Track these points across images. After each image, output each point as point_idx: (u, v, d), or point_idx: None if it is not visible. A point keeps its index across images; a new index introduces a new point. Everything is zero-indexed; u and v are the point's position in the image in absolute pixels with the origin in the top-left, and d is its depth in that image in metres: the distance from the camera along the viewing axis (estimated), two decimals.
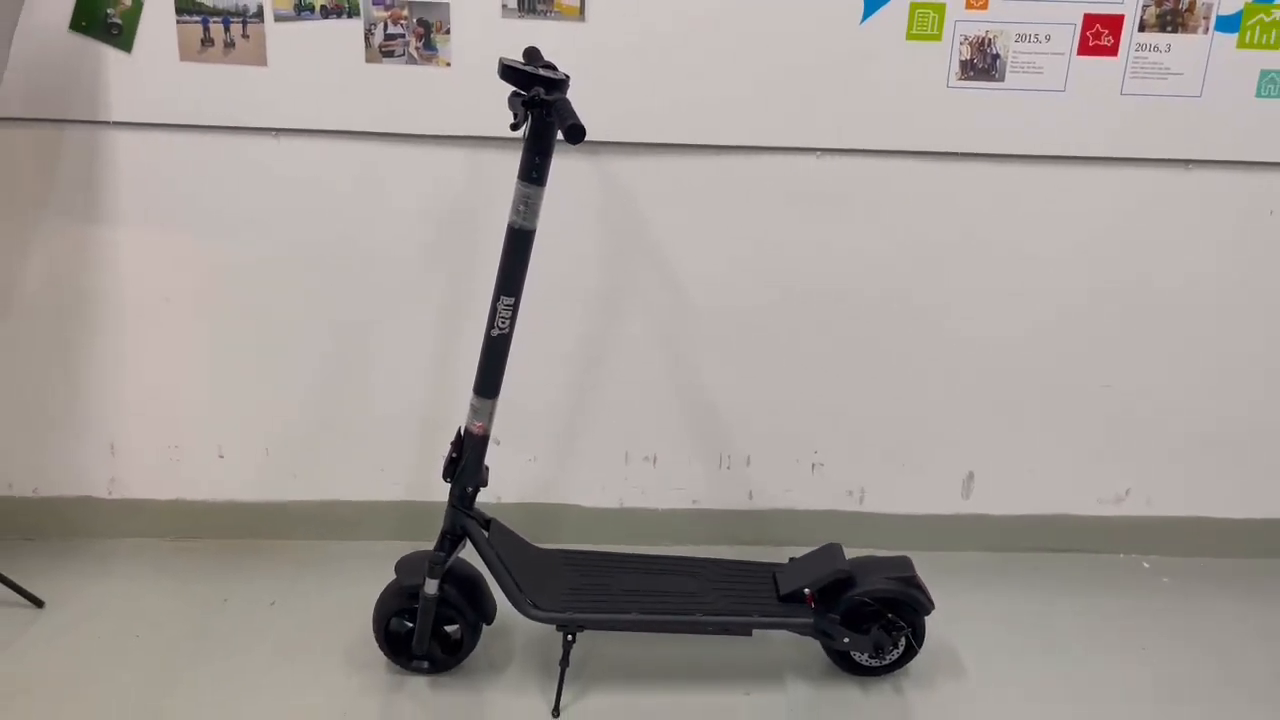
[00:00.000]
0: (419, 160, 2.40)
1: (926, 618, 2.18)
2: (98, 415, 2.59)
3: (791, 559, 2.27)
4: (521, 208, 1.80)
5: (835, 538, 2.68)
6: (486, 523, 2.12)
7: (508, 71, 1.71)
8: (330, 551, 2.66)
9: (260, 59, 2.32)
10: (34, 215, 2.43)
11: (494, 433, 2.58)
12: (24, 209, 2.42)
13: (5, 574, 2.37)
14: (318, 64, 2.31)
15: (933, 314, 2.55)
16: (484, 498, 2.62)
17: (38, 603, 2.39)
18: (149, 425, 2.60)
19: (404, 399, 2.59)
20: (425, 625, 2.09)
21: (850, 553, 2.52)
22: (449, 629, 2.18)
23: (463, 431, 2.02)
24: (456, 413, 2.58)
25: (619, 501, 2.70)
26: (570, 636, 2.10)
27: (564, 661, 2.10)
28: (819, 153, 2.42)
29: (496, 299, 1.88)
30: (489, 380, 1.95)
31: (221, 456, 2.64)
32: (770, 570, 2.25)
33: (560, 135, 1.67)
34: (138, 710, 2.07)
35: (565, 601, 2.10)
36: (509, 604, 2.09)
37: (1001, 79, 2.35)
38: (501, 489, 2.68)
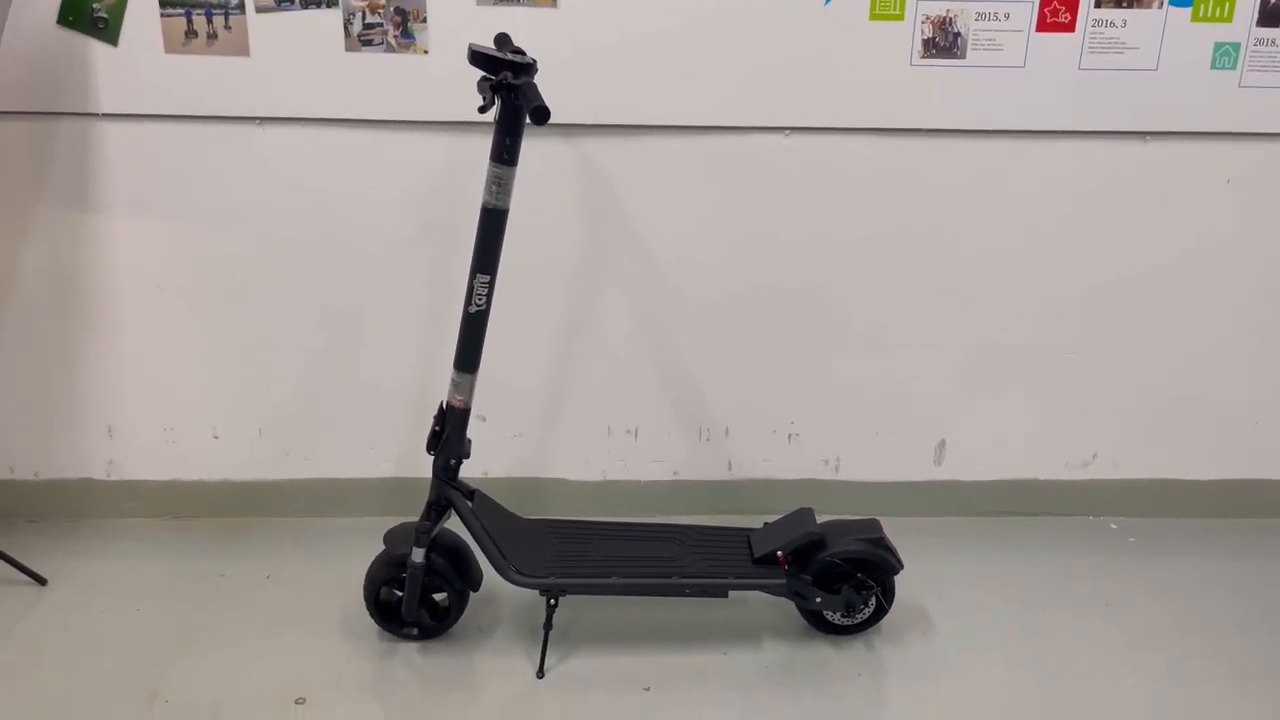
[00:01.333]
0: (401, 146, 2.48)
1: (896, 577, 2.27)
2: (95, 399, 2.67)
3: (765, 523, 2.36)
4: (494, 188, 1.88)
5: (813, 505, 2.77)
6: (471, 493, 2.20)
7: (477, 57, 1.78)
8: (323, 527, 2.75)
9: (243, 49, 2.39)
10: (30, 206, 2.50)
11: (481, 410, 2.67)
12: (20, 199, 2.50)
13: (11, 553, 2.45)
14: (299, 53, 2.38)
15: (903, 288, 2.63)
16: (472, 473, 2.72)
17: (41, 581, 2.48)
18: (145, 408, 2.68)
19: (391, 379, 2.67)
20: (413, 593, 2.17)
21: (825, 519, 2.62)
22: (437, 597, 2.26)
23: (444, 406, 2.10)
24: (442, 391, 2.65)
25: (602, 474, 2.79)
26: (553, 601, 2.19)
27: (547, 625, 2.19)
28: (787, 131, 2.49)
29: (473, 277, 1.96)
30: (468, 355, 2.03)
31: (216, 437, 2.72)
32: (745, 535, 2.34)
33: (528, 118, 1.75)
34: (140, 681, 2.15)
35: (547, 567, 2.19)
36: (495, 572, 2.17)
37: (963, 56, 2.43)
38: (489, 464, 2.76)
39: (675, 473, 2.79)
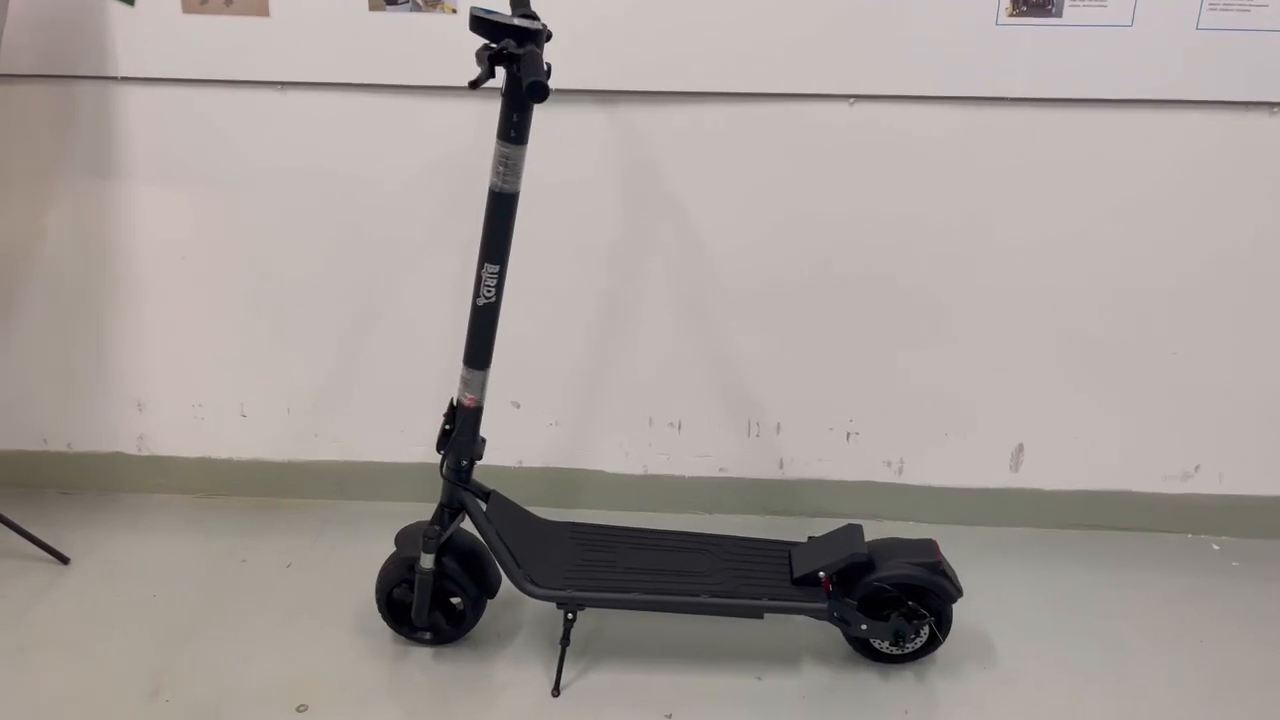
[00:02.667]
0: (430, 113, 2.30)
1: (955, 604, 2.03)
2: (125, 372, 2.60)
3: (810, 538, 2.14)
4: (501, 169, 1.68)
5: (872, 510, 2.56)
6: (486, 495, 2.04)
7: (478, 23, 1.57)
8: (351, 511, 2.64)
9: (262, 9, 2.23)
10: (53, 172, 2.41)
11: (515, 396, 2.52)
12: (43, 166, 2.41)
13: (41, 526, 2.41)
14: (321, 12, 2.22)
15: (979, 272, 2.35)
16: (505, 461, 2.58)
17: (63, 559, 2.42)
18: (173, 383, 2.60)
19: (421, 360, 2.52)
20: (423, 599, 2.04)
21: (886, 528, 2.40)
22: (454, 600, 2.12)
23: (454, 403, 1.94)
24: None
25: (643, 468, 2.60)
26: (570, 615, 2.02)
27: (564, 640, 2.03)
28: (852, 99, 2.22)
29: (481, 266, 1.77)
30: (478, 351, 1.86)
31: (244, 415, 2.62)
32: (786, 550, 2.13)
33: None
34: (146, 669, 2.07)
35: (565, 578, 2.02)
36: None
37: (1059, 14, 2.12)
38: (523, 453, 2.60)
39: (722, 469, 2.59)
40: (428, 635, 2.13)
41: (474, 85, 1.51)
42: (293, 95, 2.31)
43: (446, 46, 2.21)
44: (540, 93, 1.44)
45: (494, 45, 1.55)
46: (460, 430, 1.92)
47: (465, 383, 1.89)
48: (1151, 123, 2.20)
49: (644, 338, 2.46)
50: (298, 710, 1.99)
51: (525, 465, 2.61)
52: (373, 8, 2.21)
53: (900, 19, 2.13)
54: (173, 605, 2.28)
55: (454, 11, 2.19)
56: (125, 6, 2.24)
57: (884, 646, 2.07)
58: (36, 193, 2.43)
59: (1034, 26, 2.13)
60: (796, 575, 2.03)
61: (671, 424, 2.55)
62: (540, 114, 2.25)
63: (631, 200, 2.34)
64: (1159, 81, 2.15)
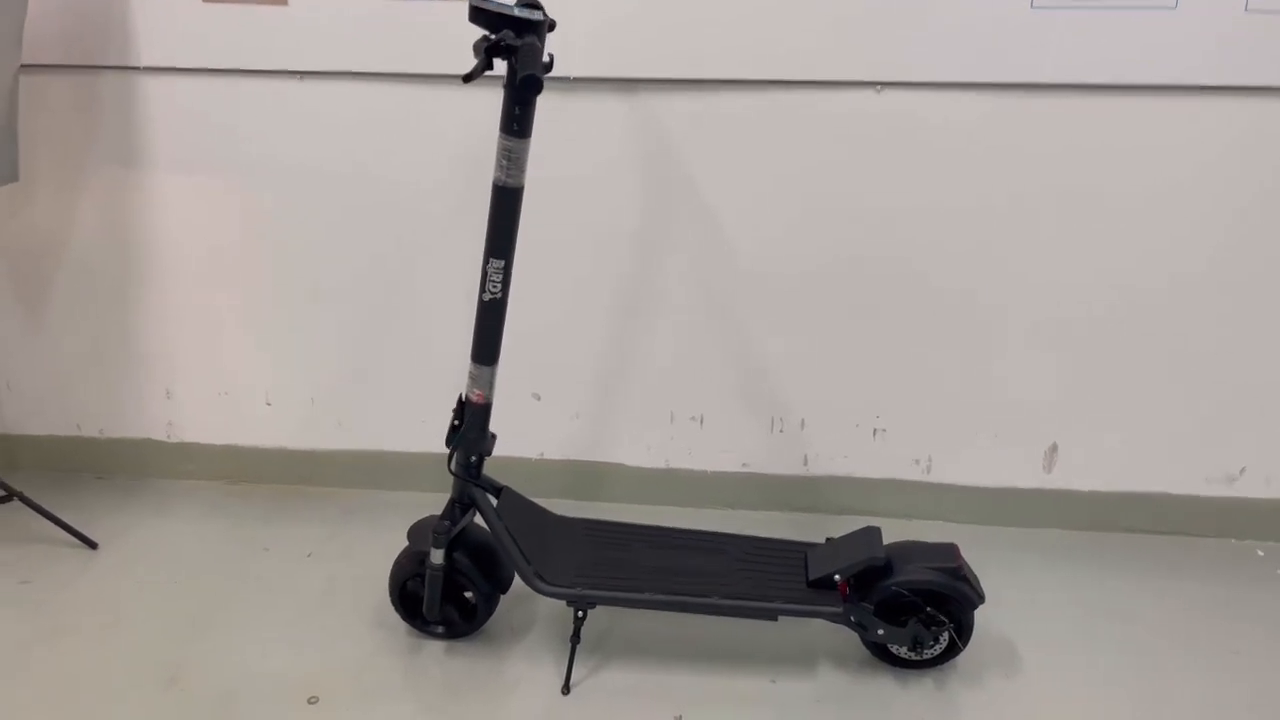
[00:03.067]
0: (447, 102, 2.27)
1: (979, 610, 1.97)
2: (153, 360, 2.62)
3: (828, 539, 2.09)
4: (504, 162, 1.65)
5: (899, 509, 2.50)
6: (498, 490, 2.02)
7: (477, 14, 1.54)
8: (374, 501, 2.64)
9: None
10: (80, 162, 2.43)
11: (536, 387, 2.49)
12: (72, 155, 2.43)
13: (74, 511, 2.47)
14: (339, 1, 2.19)
15: (1012, 266, 2.27)
16: (526, 453, 2.56)
17: (92, 545, 2.46)
18: (200, 371, 2.62)
19: (441, 351, 2.51)
20: (433, 594, 2.03)
21: (913, 527, 2.34)
22: (467, 594, 2.11)
23: (463, 399, 1.92)
24: None
25: (665, 462, 2.57)
26: (580, 613, 2.00)
27: (574, 638, 2.01)
28: (879, 87, 2.15)
29: (486, 262, 1.74)
30: (485, 347, 1.83)
31: (269, 404, 2.63)
32: (803, 551, 2.08)
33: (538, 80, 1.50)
34: (165, 657, 2.09)
35: (577, 576, 1.99)
36: None
37: None
38: (544, 445, 2.58)
39: (745, 464, 2.54)
40: (440, 629, 2.13)
41: (467, 79, 1.47)
42: (311, 84, 2.29)
43: (464, 36, 2.17)
44: (534, 86, 1.40)
45: (492, 36, 1.51)
46: (468, 426, 1.90)
47: (473, 379, 1.87)
48: (1197, 110, 2.10)
49: (665, 330, 2.42)
50: (309, 702, 1.99)
51: (546, 458, 2.59)
52: None
53: (927, 3, 2.05)
54: (194, 592, 2.30)
55: None
56: None
57: (902, 652, 2.02)
58: (65, 182, 2.45)
59: (1071, 9, 2.03)
60: (812, 578, 1.99)
61: (694, 418, 2.51)
62: (560, 104, 2.22)
63: (653, 191, 2.30)
64: (1206, 66, 2.05)
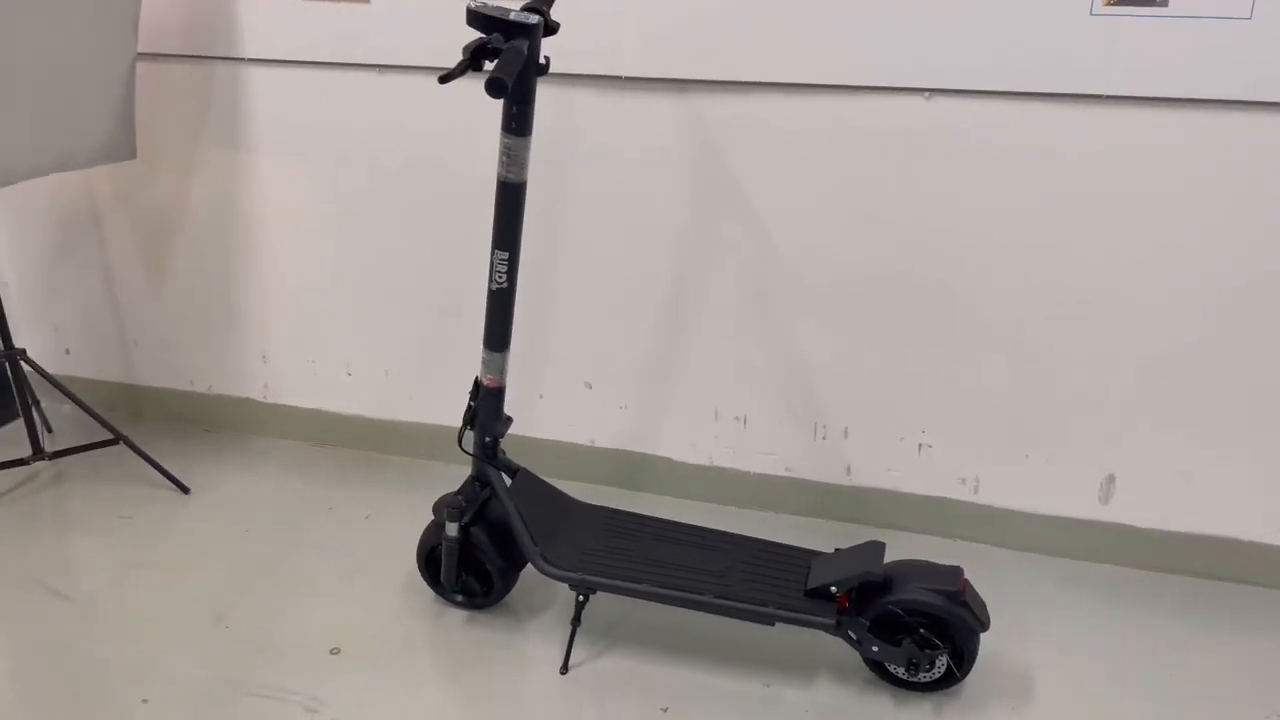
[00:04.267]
0: None
1: (1003, 639, 1.91)
2: (252, 326, 2.86)
3: (836, 549, 2.07)
4: (505, 159, 1.72)
5: (945, 528, 2.44)
6: (514, 471, 2.11)
7: (474, 17, 1.61)
8: (435, 473, 2.79)
9: None
10: (195, 144, 2.68)
11: (587, 376, 2.57)
12: (188, 137, 2.68)
13: (177, 458, 2.77)
14: (415, 2, 2.33)
15: (1068, 284, 2.17)
16: (578, 439, 2.64)
17: (185, 490, 2.72)
18: (292, 339, 2.84)
19: None
20: (450, 565, 2.14)
21: (958, 548, 2.31)
22: (490, 567, 2.21)
23: (477, 381, 2.01)
24: (545, 348, 2.59)
25: (709, 459, 2.59)
26: (581, 597, 2.06)
27: (575, 620, 2.08)
28: (928, 94, 2.10)
29: (492, 253, 1.83)
30: (495, 334, 1.92)
31: (349, 374, 2.82)
32: (809, 559, 2.07)
33: (535, 77, 1.57)
34: (219, 598, 2.30)
35: (579, 561, 2.06)
36: None
37: (1164, 4, 1.90)
38: (595, 433, 2.66)
39: (788, 469, 2.53)
40: (460, 598, 2.24)
41: (444, 79, 1.55)
42: (390, 77, 2.44)
43: None
44: (496, 89, 1.46)
45: (486, 37, 1.59)
46: (482, 408, 2.00)
47: (485, 363, 1.96)
48: (1273, 127, 1.94)
49: (710, 329, 2.44)
50: (331, 653, 2.14)
51: (597, 445, 2.66)
52: None
53: (982, 5, 1.98)
54: (260, 542, 2.51)
55: None
56: None
57: (900, 672, 1.98)
58: (181, 161, 2.71)
59: (1134, 17, 1.92)
60: (810, 587, 1.97)
61: (737, 418, 2.52)
62: (614, 103, 2.28)
63: (700, 190, 2.32)
64: None
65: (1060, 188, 2.09)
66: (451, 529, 2.08)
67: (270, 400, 2.94)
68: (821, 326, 2.36)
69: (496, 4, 1.63)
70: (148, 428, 3.04)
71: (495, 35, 1.58)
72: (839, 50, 2.09)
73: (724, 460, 2.57)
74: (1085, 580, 2.33)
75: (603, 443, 2.66)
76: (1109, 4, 1.92)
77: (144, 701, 2.00)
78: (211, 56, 2.56)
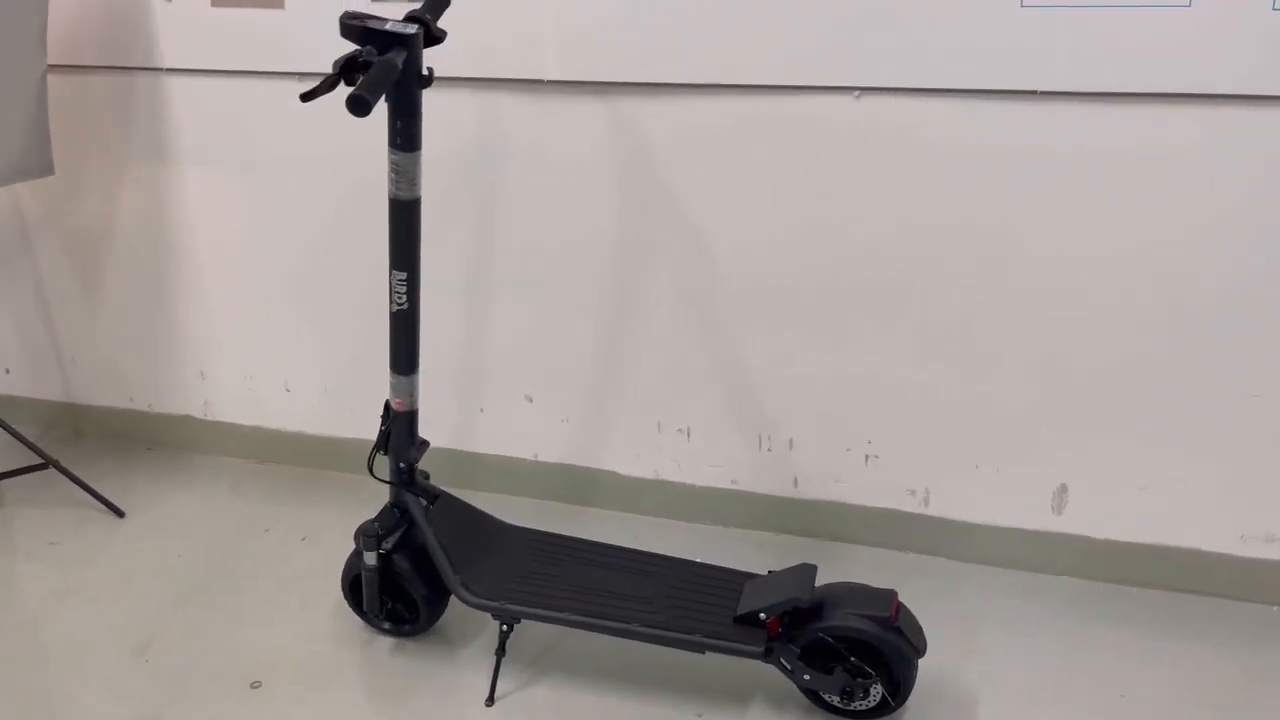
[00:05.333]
0: (432, 104, 2.28)
1: (943, 659, 1.83)
2: (189, 342, 2.78)
3: (770, 571, 1.98)
4: (394, 176, 1.63)
5: (897, 541, 2.35)
6: (434, 497, 2.03)
7: (347, 29, 1.52)
8: (378, 489, 2.69)
9: (277, 1, 2.28)
10: (120, 157, 2.60)
11: (527, 390, 2.48)
12: (112, 151, 2.60)
13: (117, 478, 2.72)
14: (329, 6, 2.24)
15: (1014, 287, 2.07)
16: (522, 454, 2.55)
17: (119, 513, 2.65)
18: (229, 355, 2.76)
19: (437, 349, 2.54)
20: (371, 594, 2.06)
21: (911, 561, 2.23)
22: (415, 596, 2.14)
23: (388, 405, 1.93)
24: (485, 364, 2.51)
25: (654, 473, 2.50)
26: (505, 627, 1.98)
27: (500, 650, 2.00)
28: (857, 92, 2.00)
29: (391, 273, 1.74)
30: (400, 357, 1.84)
31: (288, 390, 2.75)
32: (742, 582, 1.98)
33: (418, 90, 1.48)
34: (143, 628, 2.22)
35: (501, 589, 1.98)
36: None
37: None
38: (538, 447, 2.57)
39: (734, 481, 2.44)
40: (387, 625, 2.16)
41: (305, 98, 1.46)
42: (311, 85, 2.35)
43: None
44: (357, 107, 1.37)
45: (362, 49, 1.50)
46: (394, 433, 1.92)
47: (393, 388, 1.88)
48: (1218, 122, 1.83)
49: (648, 339, 2.36)
50: (251, 686, 2.07)
51: (541, 460, 2.58)
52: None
53: (909, 3, 1.88)
54: (191, 567, 2.44)
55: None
56: (164, 1, 2.36)
57: (835, 701, 1.89)
58: (107, 174, 2.63)
59: (1068, 7, 1.82)
60: (739, 613, 1.89)
61: (681, 430, 2.43)
62: (543, 105, 2.19)
63: (632, 196, 2.23)
64: (1226, 73, 1.78)
65: (1005, 188, 2.00)
66: (369, 558, 2.00)
67: (210, 418, 2.87)
68: (761, 334, 2.27)
69: (374, 14, 1.54)
70: (88, 447, 2.97)
71: (368, 49, 1.49)
72: (760, 49, 1.99)
73: (669, 474, 2.49)
74: (1041, 593, 2.24)
75: (546, 457, 2.58)
76: None
77: None
78: (130, 67, 2.48)
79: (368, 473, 2.06)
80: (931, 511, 2.32)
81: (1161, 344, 2.03)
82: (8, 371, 3.01)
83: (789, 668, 1.86)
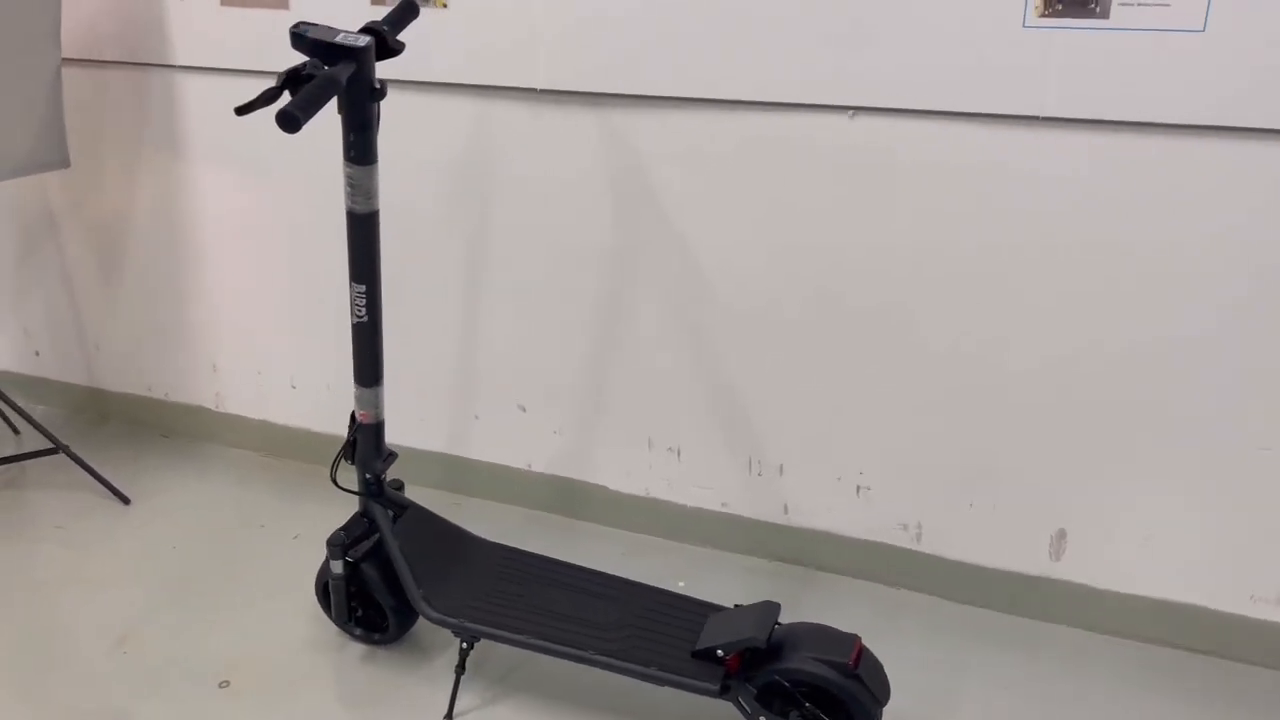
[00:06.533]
0: (427, 109, 2.26)
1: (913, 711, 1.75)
2: (202, 335, 2.82)
3: (736, 605, 1.92)
4: (350, 189, 1.61)
5: (888, 576, 2.27)
6: (402, 509, 2.01)
7: (298, 40, 1.49)
8: None
9: (282, 2, 2.28)
10: (137, 151, 2.64)
11: (520, 399, 2.46)
12: (131, 143, 2.64)
13: (129, 464, 2.78)
14: (331, 7, 2.23)
15: (1011, 321, 1.97)
16: (515, 463, 2.53)
17: (125, 500, 2.70)
18: (239, 350, 2.79)
19: (434, 354, 2.53)
20: (339, 601, 2.06)
21: (902, 598, 2.19)
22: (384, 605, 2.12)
23: (353, 416, 1.92)
24: (478, 371, 2.48)
25: (645, 490, 2.45)
26: (464, 644, 1.96)
27: (459, 668, 1.97)
28: (852, 112, 1.91)
29: (350, 286, 1.72)
30: (363, 369, 1.82)
31: (294, 387, 2.76)
32: (707, 613, 1.92)
33: (372, 103, 1.45)
34: (126, 620, 2.25)
35: (463, 606, 1.95)
36: None
37: (1104, 15, 1.69)
38: (532, 457, 2.54)
39: (724, 504, 2.38)
40: (358, 632, 2.16)
41: (240, 111, 1.44)
42: None
43: (438, 42, 2.15)
44: (284, 123, 1.34)
45: (321, 63, 1.47)
46: (360, 445, 1.90)
47: (357, 399, 1.86)
48: (1234, 156, 1.70)
49: (639, 354, 2.30)
50: (219, 685, 2.08)
51: (534, 470, 2.55)
52: (374, 1, 2.19)
53: (906, 21, 1.79)
54: (184, 559, 2.47)
55: (444, 6, 2.12)
56: None
57: None
58: (125, 167, 2.67)
59: (1071, 30, 1.71)
60: (697, 648, 1.83)
61: (671, 449, 2.38)
62: (533, 113, 2.15)
63: (623, 209, 2.18)
64: (1241, 105, 1.66)
65: (1004, 213, 1.89)
66: (335, 566, 1.99)
67: (222, 410, 2.90)
68: (751, 356, 2.20)
69: (328, 25, 1.51)
70: (110, 431, 3.04)
71: (313, 61, 1.46)
72: (754, 65, 1.92)
73: (660, 492, 2.43)
74: (1035, 642, 2.13)
75: (539, 467, 2.54)
76: (1043, 15, 1.71)
77: None
78: (145, 63, 2.50)
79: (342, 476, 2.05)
80: (924, 548, 2.22)
81: (1165, 388, 1.90)
82: (38, 354, 3.10)
83: (746, 709, 1.79)
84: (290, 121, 1.33)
